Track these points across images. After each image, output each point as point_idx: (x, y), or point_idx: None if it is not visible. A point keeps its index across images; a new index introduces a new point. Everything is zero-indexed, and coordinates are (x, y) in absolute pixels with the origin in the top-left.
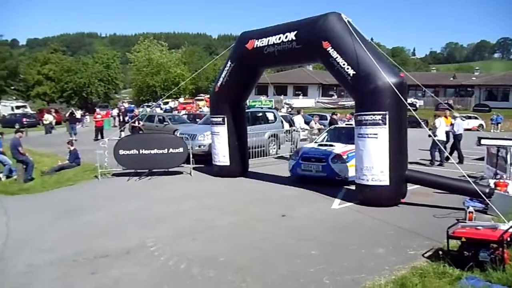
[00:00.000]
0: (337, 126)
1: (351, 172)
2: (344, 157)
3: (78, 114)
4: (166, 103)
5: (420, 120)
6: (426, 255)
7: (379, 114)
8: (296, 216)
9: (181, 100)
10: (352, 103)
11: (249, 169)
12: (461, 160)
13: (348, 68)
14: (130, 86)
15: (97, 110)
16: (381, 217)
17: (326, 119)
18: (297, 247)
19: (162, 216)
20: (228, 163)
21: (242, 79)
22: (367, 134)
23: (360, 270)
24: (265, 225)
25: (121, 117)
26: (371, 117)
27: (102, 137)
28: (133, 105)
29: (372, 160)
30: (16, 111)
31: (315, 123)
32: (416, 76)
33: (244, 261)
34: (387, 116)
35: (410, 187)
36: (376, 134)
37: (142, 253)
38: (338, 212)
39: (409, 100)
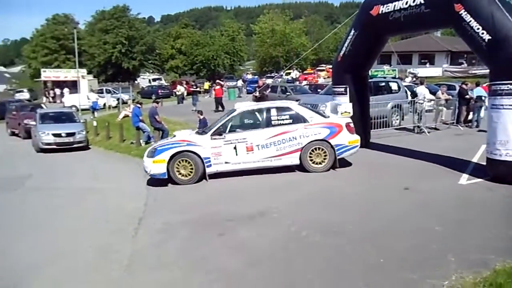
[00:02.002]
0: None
1: (155, 169)
2: (152, 150)
3: (206, 85)
4: (288, 73)
5: None
6: None
7: None
8: (419, 189)
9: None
10: (485, 71)
11: (371, 140)
12: None
13: (483, 33)
14: (253, 58)
15: (218, 81)
16: None
17: (455, 89)
18: (420, 221)
19: (285, 184)
20: None
21: (366, 47)
22: (503, 105)
23: (489, 251)
24: (387, 198)
25: (244, 88)
26: (508, 87)
27: (223, 108)
28: (256, 76)
29: (508, 133)
30: (153, 83)
31: (442, 94)
32: None
33: (366, 231)
34: None
35: None
36: None
37: (266, 218)
38: (466, 188)
39: None
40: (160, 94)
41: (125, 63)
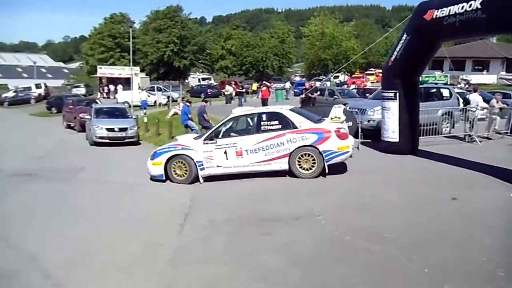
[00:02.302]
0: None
1: (154, 171)
2: (153, 153)
3: (255, 86)
4: (336, 77)
5: None
6: None
7: None
8: (468, 200)
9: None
10: None
11: (419, 147)
12: None
13: None
14: (302, 60)
15: (264, 83)
16: None
17: (510, 98)
18: (468, 233)
19: (329, 188)
20: (397, 140)
21: (418, 52)
22: None
23: None
24: (433, 206)
25: (291, 90)
26: None
27: None
28: (304, 79)
29: None
30: (202, 82)
31: (497, 102)
32: None
33: (410, 240)
34: None
35: None
36: None
37: (309, 220)
38: None
39: None
40: (209, 93)
41: (177, 62)
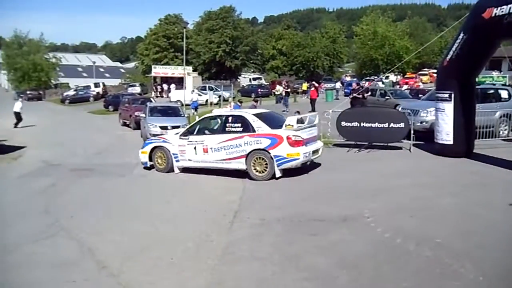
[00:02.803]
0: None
1: (142, 158)
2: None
3: (305, 86)
4: (387, 77)
5: None
6: None
7: None
8: None
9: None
10: None
11: (474, 150)
12: None
13: None
14: (353, 60)
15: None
16: None
17: None
18: None
19: (379, 190)
20: (451, 142)
21: (475, 52)
22: None
23: None
24: (488, 212)
25: (340, 91)
26: None
27: (313, 109)
28: (355, 79)
29: None
30: (253, 82)
31: None
32: None
33: (463, 246)
34: None
35: None
36: None
37: (359, 222)
38: None
39: None
40: (259, 93)
41: (228, 62)
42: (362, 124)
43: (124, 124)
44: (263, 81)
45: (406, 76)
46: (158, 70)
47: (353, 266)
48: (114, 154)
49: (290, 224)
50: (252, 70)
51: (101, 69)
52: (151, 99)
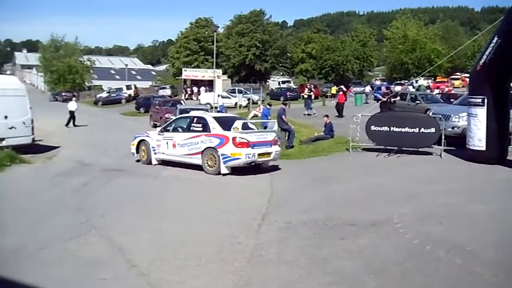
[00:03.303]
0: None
1: (132, 149)
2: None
3: (334, 90)
4: (417, 81)
5: None
6: None
7: None
8: None
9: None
10: None
11: (508, 157)
12: None
13: None
14: (383, 64)
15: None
16: None
17: None
18: None
19: (409, 195)
20: (483, 148)
21: (510, 56)
22: None
23: None
24: None
25: (369, 95)
26: None
27: (340, 114)
28: (385, 83)
29: None
30: (282, 85)
31: None
32: None
33: (495, 254)
34: None
35: None
36: None
37: (387, 227)
38: None
39: None
40: (288, 96)
41: (258, 65)
42: (392, 129)
43: (155, 126)
44: (292, 85)
45: (437, 80)
46: (189, 73)
47: (381, 271)
48: None
49: (318, 228)
50: (281, 74)
51: (133, 72)
52: (181, 101)
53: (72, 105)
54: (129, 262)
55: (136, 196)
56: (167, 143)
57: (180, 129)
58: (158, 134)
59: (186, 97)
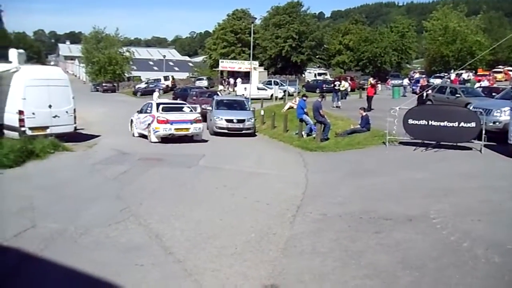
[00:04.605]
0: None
1: (129, 127)
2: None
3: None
4: (459, 74)
5: None
6: None
7: None
8: None
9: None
10: None
11: None
12: None
13: None
14: (422, 56)
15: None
16: None
17: None
18: None
19: (447, 190)
20: None
21: None
22: None
23: None
24: None
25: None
26: None
27: (369, 107)
28: (424, 75)
29: None
30: (318, 77)
31: None
32: None
33: None
34: None
35: None
36: None
37: (424, 223)
38: None
39: None
40: (324, 88)
41: (294, 57)
42: (430, 123)
43: None
44: (328, 77)
45: (478, 73)
46: (225, 65)
47: (416, 267)
48: (181, 145)
49: (353, 221)
50: (317, 65)
51: (171, 63)
52: (218, 92)
53: (155, 96)
54: (166, 249)
55: (173, 185)
56: (138, 121)
57: (143, 111)
58: (136, 114)
59: (223, 89)
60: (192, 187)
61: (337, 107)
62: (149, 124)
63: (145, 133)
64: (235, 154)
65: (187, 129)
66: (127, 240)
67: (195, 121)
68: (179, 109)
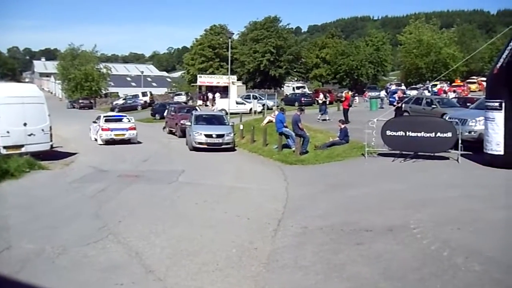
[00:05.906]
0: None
1: None
2: None
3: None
4: (434, 85)
5: None
6: None
7: None
8: None
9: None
10: None
11: None
12: None
13: None
14: (398, 68)
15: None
16: None
17: None
18: None
19: (426, 201)
20: (502, 152)
21: None
22: None
23: None
24: None
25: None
26: None
27: (346, 120)
28: (401, 87)
29: None
30: (296, 91)
31: None
32: None
33: None
34: None
35: None
36: None
37: (404, 233)
38: None
39: None
40: (303, 102)
41: (272, 71)
42: (408, 133)
43: (170, 132)
44: (306, 90)
45: (453, 84)
46: (204, 80)
47: (398, 277)
48: (161, 161)
49: (334, 233)
50: (295, 79)
51: (149, 79)
52: (197, 107)
53: None
54: (146, 267)
55: (153, 202)
56: (92, 129)
57: (96, 122)
58: (92, 124)
59: (201, 104)
60: (172, 203)
61: (324, 119)
62: (97, 131)
63: (97, 137)
64: (215, 169)
65: (123, 134)
66: (106, 259)
67: (130, 128)
68: (119, 120)
